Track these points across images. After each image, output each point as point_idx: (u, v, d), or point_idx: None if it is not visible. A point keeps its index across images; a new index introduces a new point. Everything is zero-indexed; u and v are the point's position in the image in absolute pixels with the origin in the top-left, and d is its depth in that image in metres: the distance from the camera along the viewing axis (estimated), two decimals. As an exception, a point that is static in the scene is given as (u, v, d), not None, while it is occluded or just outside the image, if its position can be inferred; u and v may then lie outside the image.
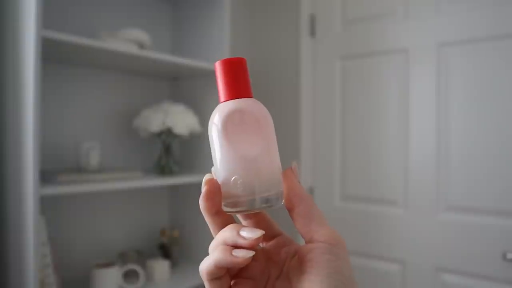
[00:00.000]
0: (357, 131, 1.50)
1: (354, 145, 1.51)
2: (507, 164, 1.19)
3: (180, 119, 1.27)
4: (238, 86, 0.31)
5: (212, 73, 1.40)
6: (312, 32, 1.63)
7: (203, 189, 0.30)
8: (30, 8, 0.93)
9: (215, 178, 0.31)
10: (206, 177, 0.31)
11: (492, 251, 1.20)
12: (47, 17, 1.21)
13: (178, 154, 1.53)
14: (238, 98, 0.31)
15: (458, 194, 1.27)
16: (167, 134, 1.30)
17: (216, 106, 0.32)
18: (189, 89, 1.51)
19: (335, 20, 1.57)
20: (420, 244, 1.34)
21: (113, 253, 1.38)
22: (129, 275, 1.27)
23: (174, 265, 1.40)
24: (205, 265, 0.28)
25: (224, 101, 0.31)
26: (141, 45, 1.25)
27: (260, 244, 0.33)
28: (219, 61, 0.31)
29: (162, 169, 1.34)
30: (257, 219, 0.33)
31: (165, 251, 1.41)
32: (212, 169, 0.32)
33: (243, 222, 0.34)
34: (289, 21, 1.69)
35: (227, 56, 1.38)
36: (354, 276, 0.29)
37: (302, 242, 0.31)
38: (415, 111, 1.36)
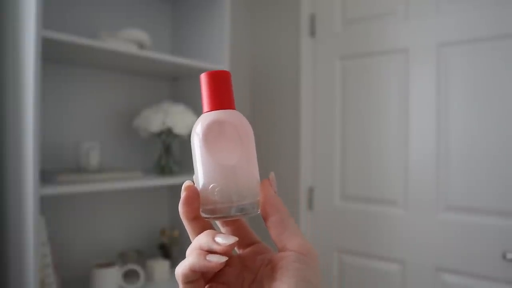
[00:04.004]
0: (357, 131, 1.50)
1: (354, 145, 1.51)
2: (507, 164, 1.19)
3: (180, 119, 1.27)
4: (221, 98, 0.32)
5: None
6: (312, 32, 1.63)
7: (182, 194, 0.31)
8: (30, 8, 0.93)
9: (194, 185, 0.32)
10: (186, 183, 0.32)
11: (492, 251, 1.20)
12: (47, 17, 1.21)
13: (178, 154, 1.53)
14: (220, 109, 0.32)
15: (458, 194, 1.27)
16: (167, 134, 1.30)
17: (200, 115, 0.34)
18: (189, 89, 1.51)
19: (335, 20, 1.57)
20: (420, 244, 1.34)
21: (113, 253, 1.38)
22: (129, 275, 1.27)
23: (174, 265, 1.40)
24: (181, 268, 0.29)
25: (206, 112, 0.33)
26: (141, 45, 1.25)
27: (237, 251, 0.35)
28: (204, 73, 0.33)
29: (162, 169, 1.34)
30: (235, 227, 0.34)
31: (165, 251, 1.41)
32: (194, 176, 0.33)
33: (222, 229, 0.35)
34: (289, 21, 1.69)
35: (227, 56, 1.38)
36: (322, 286, 0.30)
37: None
38: (415, 111, 1.36)
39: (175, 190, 1.55)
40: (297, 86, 1.65)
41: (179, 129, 1.26)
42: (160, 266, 1.29)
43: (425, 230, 1.33)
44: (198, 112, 1.44)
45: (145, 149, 1.49)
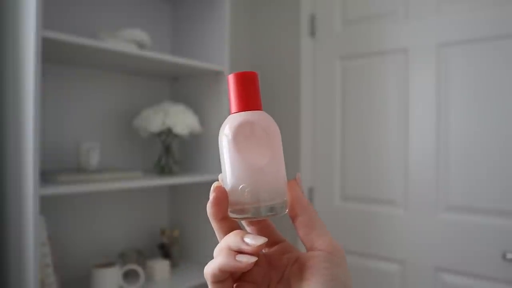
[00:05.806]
0: (357, 131, 1.50)
1: (354, 145, 1.51)
2: (507, 164, 1.19)
3: (180, 119, 1.27)
4: (249, 99, 0.33)
5: (212, 73, 1.40)
6: (312, 32, 1.63)
7: (211, 195, 0.32)
8: (30, 8, 0.93)
9: (222, 186, 0.32)
10: (215, 184, 0.32)
11: (492, 251, 1.20)
12: (47, 17, 1.22)
13: (178, 154, 1.53)
14: (248, 110, 0.33)
15: (458, 194, 1.27)
16: (167, 134, 1.30)
17: (226, 115, 0.34)
18: (189, 89, 1.51)
19: (335, 20, 1.57)
20: (420, 244, 1.34)
21: (113, 253, 1.38)
22: (129, 275, 1.27)
23: (174, 265, 1.40)
24: (210, 268, 0.30)
25: (234, 113, 0.33)
26: (141, 45, 1.25)
27: (263, 250, 0.35)
28: (232, 74, 0.33)
29: (162, 169, 1.34)
30: (260, 226, 0.35)
31: (165, 251, 1.41)
32: (220, 176, 0.33)
33: (247, 229, 0.35)
34: (289, 21, 1.69)
35: (227, 56, 1.38)
36: (351, 284, 0.30)
37: (303, 249, 0.32)
38: (415, 111, 1.36)
39: (175, 190, 1.55)
40: (297, 86, 1.65)
41: (179, 129, 1.26)
42: (160, 266, 1.29)
43: (425, 230, 1.33)
44: (198, 112, 1.44)
45: (145, 149, 1.49)
